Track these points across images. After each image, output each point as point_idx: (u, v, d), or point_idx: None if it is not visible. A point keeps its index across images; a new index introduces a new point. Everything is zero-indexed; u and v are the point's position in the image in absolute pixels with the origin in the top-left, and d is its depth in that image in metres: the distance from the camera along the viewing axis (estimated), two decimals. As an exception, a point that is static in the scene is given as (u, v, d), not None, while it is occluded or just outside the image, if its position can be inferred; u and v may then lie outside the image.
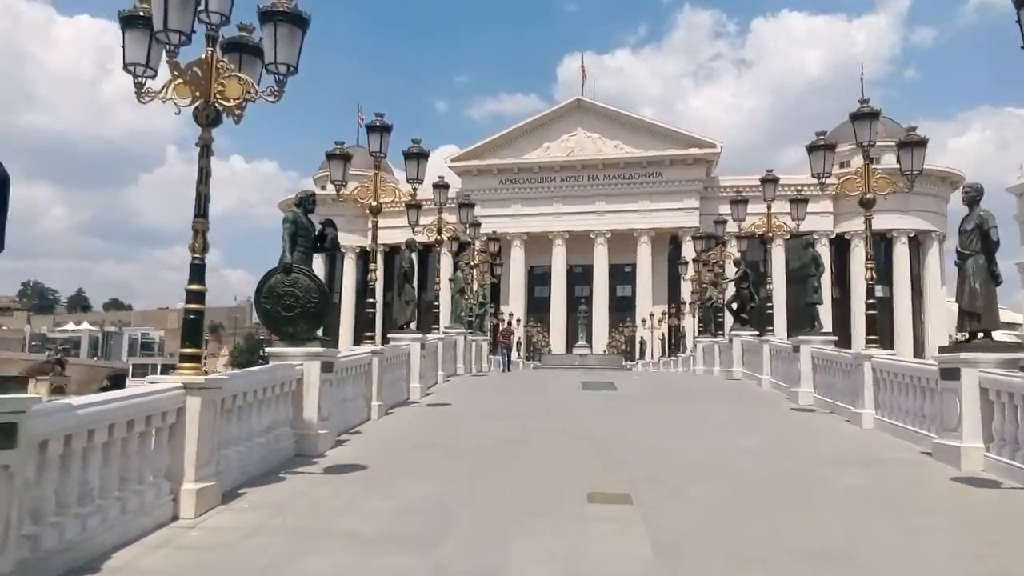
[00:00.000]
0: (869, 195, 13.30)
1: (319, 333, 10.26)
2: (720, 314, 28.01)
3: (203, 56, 7.41)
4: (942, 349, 10.37)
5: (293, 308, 9.72)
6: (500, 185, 74.95)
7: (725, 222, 28.02)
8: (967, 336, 9.80)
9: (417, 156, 15.50)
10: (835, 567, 5.52)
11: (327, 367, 10.12)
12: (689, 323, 57.74)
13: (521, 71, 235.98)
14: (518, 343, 67.30)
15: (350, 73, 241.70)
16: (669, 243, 72.57)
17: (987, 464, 8.84)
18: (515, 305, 72.63)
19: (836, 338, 16.97)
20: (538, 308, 74.12)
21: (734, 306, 24.19)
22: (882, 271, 71.48)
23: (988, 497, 7.79)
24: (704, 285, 34.22)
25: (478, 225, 25.88)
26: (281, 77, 7.61)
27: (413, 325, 17.33)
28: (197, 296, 7.33)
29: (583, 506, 7.27)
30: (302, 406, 9.76)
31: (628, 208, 71.94)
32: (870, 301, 13.51)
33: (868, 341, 13.23)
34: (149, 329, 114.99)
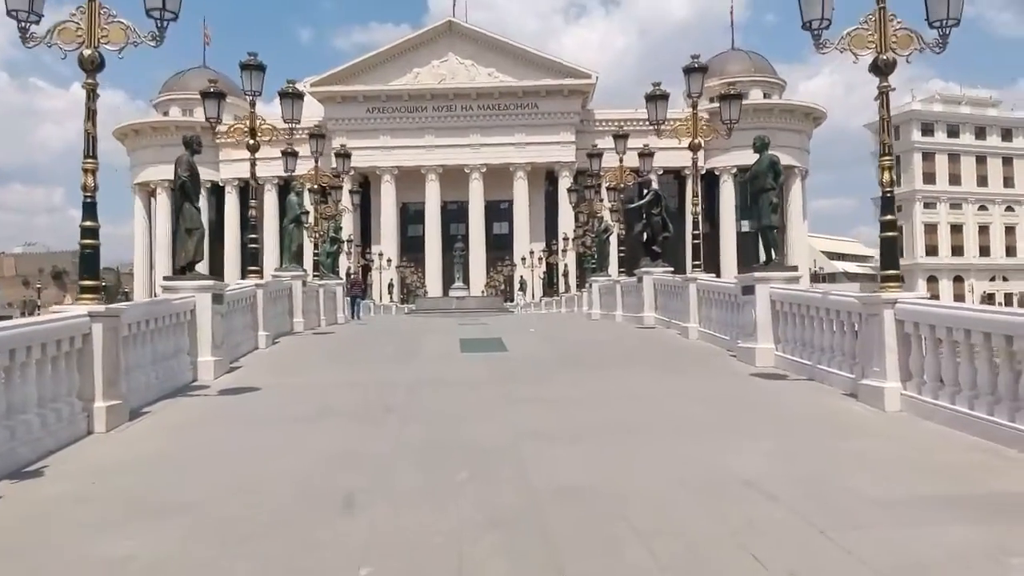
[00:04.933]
0: (887, 56, 8.90)
1: None
2: (622, 248, 23.56)
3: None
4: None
5: None
6: (368, 115, 68.22)
7: (627, 136, 23.37)
8: None
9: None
10: None
11: None
12: (572, 260, 53.90)
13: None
14: (390, 286, 61.61)
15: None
16: (545, 179, 68.81)
17: None
18: (387, 244, 66.78)
19: (801, 274, 12.73)
20: (412, 248, 68.72)
21: (644, 237, 19.69)
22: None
23: None
24: (598, 215, 29.87)
25: (322, 136, 19.69)
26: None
27: (202, 267, 11.48)
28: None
29: None
30: None
31: (504, 141, 67.67)
32: (886, 218, 9.10)
33: (885, 278, 8.84)
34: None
